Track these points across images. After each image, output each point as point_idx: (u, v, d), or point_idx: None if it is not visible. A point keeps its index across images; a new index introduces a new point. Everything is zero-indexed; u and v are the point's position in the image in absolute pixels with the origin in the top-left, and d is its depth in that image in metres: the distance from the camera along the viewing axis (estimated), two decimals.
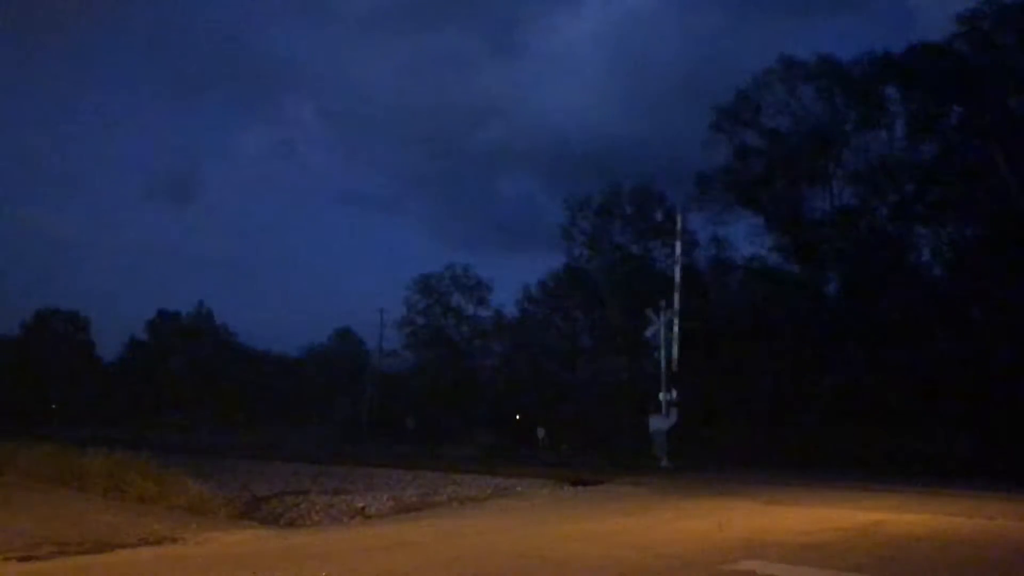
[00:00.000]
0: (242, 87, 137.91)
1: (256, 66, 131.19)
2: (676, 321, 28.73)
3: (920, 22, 77.22)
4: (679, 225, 31.77)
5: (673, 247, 32.17)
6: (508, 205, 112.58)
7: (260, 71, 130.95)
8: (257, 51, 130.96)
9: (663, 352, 28.62)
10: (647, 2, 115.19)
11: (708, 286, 37.73)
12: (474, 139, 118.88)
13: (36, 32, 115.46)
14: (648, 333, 29.80)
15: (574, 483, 16.24)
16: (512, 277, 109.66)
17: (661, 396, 27.57)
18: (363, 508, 11.74)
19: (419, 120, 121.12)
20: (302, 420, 53.09)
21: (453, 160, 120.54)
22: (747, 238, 38.29)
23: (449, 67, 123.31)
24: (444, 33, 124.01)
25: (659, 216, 41.52)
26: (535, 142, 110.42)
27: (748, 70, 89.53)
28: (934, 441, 25.17)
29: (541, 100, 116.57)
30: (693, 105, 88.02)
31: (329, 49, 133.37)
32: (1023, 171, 28.26)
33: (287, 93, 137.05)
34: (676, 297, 28.97)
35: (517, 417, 41.56)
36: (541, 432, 36.51)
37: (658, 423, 27.02)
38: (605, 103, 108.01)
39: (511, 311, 51.19)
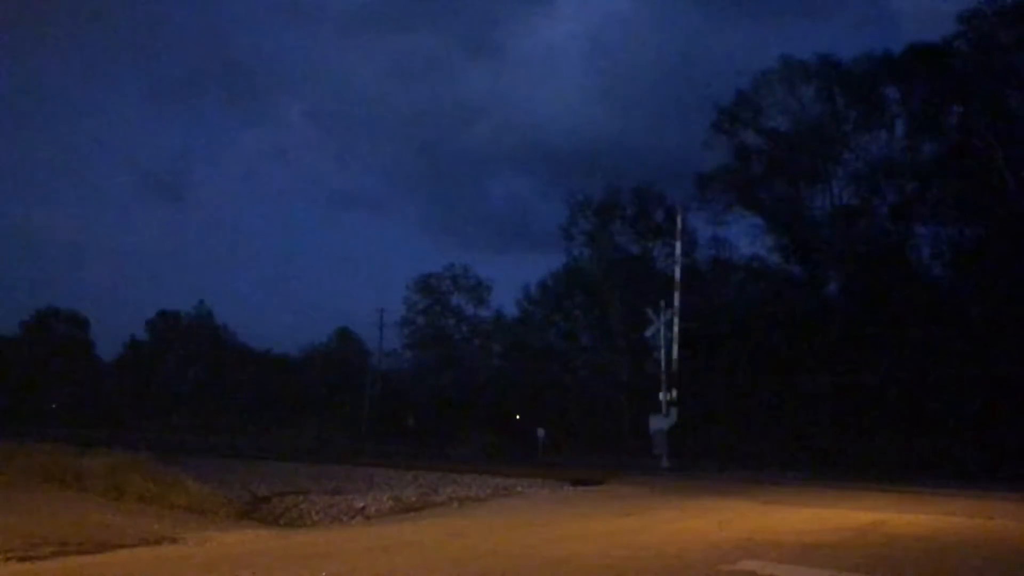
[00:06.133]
0: (234, 88, 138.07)
1: (246, 68, 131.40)
2: (676, 321, 28.74)
3: (905, 23, 77.42)
4: (679, 225, 31.76)
5: (673, 247, 32.17)
6: (500, 205, 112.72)
7: (250, 73, 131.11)
8: (248, 53, 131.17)
9: (663, 352, 28.61)
10: (625, 2, 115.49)
11: (708, 286, 37.71)
12: (462, 140, 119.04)
13: (34, 34, 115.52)
14: (648, 333, 29.80)
15: (574, 483, 16.23)
16: (506, 277, 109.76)
17: (661, 396, 27.58)
18: (363, 508, 11.72)
19: (406, 121, 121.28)
20: (302, 420, 53.05)
21: (443, 161, 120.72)
22: (747, 238, 38.36)
23: (433, 68, 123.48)
24: (425, 34, 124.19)
25: (659, 216, 41.54)
26: (523, 142, 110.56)
27: (730, 70, 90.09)
28: (934, 441, 25.17)
29: (527, 100, 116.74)
30: (679, 104, 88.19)
31: (315, 50, 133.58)
32: (1023, 171, 28.27)
33: (277, 94, 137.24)
34: (676, 297, 28.97)
35: (517, 417, 41.54)
36: (541, 432, 36.50)
37: (658, 423, 27.02)
38: (590, 103, 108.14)
39: (511, 311, 51.22)
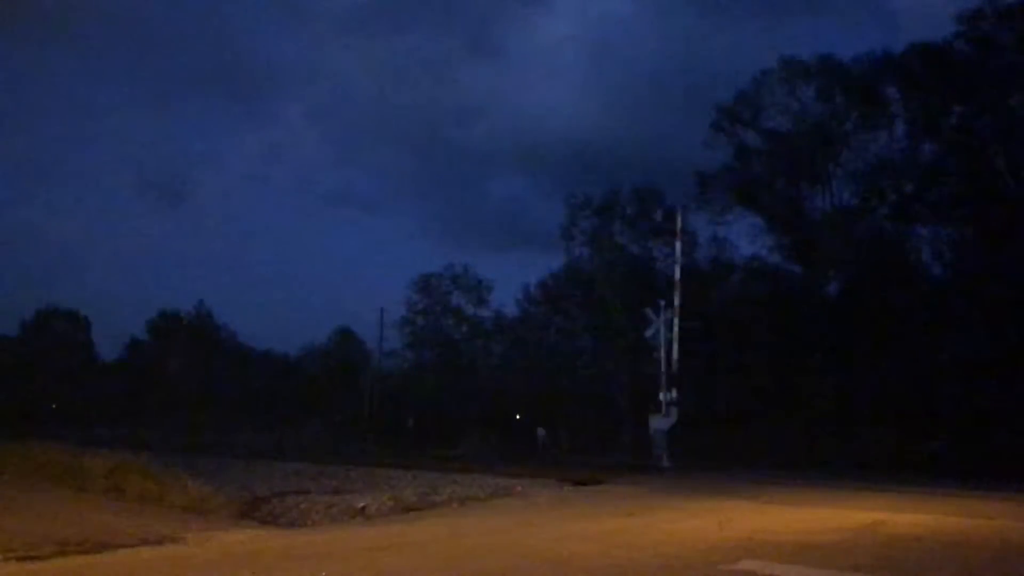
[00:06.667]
0: (233, 89, 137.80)
1: (246, 68, 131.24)
2: (676, 321, 28.73)
3: (905, 23, 77.52)
4: (679, 225, 31.76)
5: (673, 247, 32.17)
6: (500, 205, 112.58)
7: (250, 73, 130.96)
8: (247, 53, 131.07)
9: (663, 352, 28.60)
10: (625, 2, 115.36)
11: (708, 286, 37.72)
12: (462, 140, 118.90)
13: (34, 34, 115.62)
14: (648, 333, 29.78)
15: (574, 483, 16.23)
16: (506, 277, 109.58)
17: (661, 396, 27.56)
18: (363, 508, 11.71)
19: (406, 121, 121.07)
20: (302, 420, 53.04)
21: (442, 161, 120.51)
22: (747, 238, 38.36)
23: (432, 68, 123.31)
24: (424, 34, 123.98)
25: (659, 216, 41.49)
26: (523, 142, 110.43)
27: (730, 70, 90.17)
28: (934, 441, 25.20)
29: (526, 100, 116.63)
30: (679, 104, 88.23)
31: (314, 51, 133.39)
32: (1023, 171, 28.29)
33: (276, 95, 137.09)
34: (676, 297, 28.96)
35: (517, 417, 41.55)
36: (541, 432, 36.50)
37: (658, 423, 27.01)
38: (590, 102, 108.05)
39: (511, 311, 51.21)
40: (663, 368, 28.25)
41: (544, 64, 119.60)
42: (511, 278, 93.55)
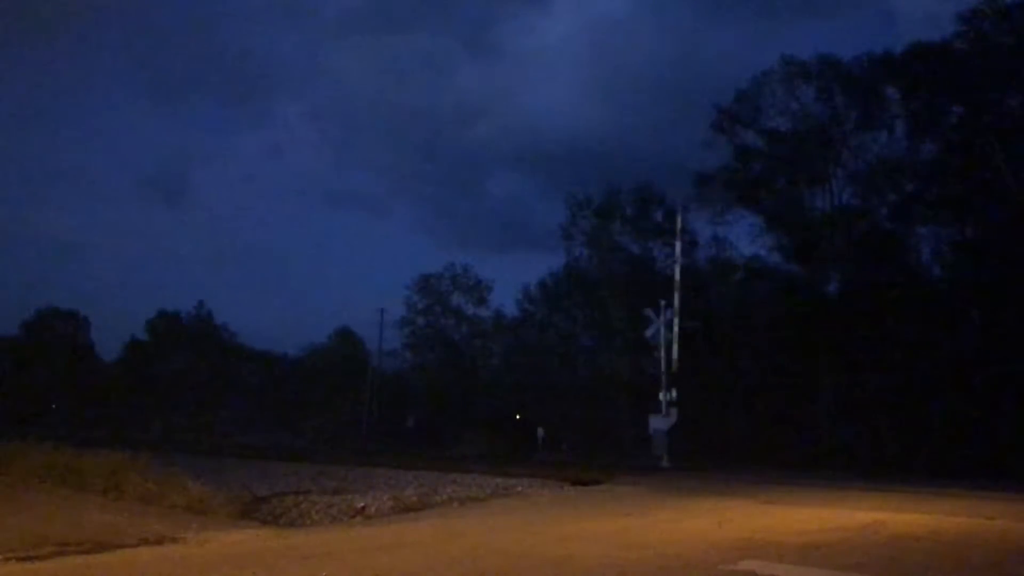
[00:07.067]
0: (232, 89, 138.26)
1: (245, 68, 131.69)
2: (676, 321, 28.75)
3: (904, 23, 77.65)
4: (679, 225, 31.81)
5: (673, 247, 32.19)
6: (500, 205, 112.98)
7: (249, 73, 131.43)
8: (246, 53, 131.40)
9: (663, 352, 28.61)
10: (624, 2, 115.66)
11: (708, 286, 37.72)
12: (462, 140, 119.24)
13: (34, 34, 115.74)
14: (648, 333, 29.80)
15: (574, 483, 16.23)
16: (506, 277, 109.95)
17: (661, 396, 27.59)
18: (363, 508, 11.71)
19: (406, 121, 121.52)
20: (302, 420, 53.06)
21: (442, 161, 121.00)
22: (747, 238, 38.35)
23: (432, 68, 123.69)
24: (424, 34, 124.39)
25: (659, 216, 41.54)
26: (523, 142, 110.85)
27: (729, 70, 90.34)
28: (934, 441, 25.20)
29: (526, 100, 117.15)
30: (679, 104, 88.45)
31: (313, 51, 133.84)
32: (1023, 171, 28.27)
33: (275, 95, 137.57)
34: (676, 297, 28.99)
35: (517, 417, 41.57)
36: (541, 432, 36.52)
37: (658, 423, 27.04)
38: (590, 103, 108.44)
39: (511, 311, 51.24)
40: (663, 368, 28.26)
41: (544, 64, 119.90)
42: (511, 278, 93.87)
